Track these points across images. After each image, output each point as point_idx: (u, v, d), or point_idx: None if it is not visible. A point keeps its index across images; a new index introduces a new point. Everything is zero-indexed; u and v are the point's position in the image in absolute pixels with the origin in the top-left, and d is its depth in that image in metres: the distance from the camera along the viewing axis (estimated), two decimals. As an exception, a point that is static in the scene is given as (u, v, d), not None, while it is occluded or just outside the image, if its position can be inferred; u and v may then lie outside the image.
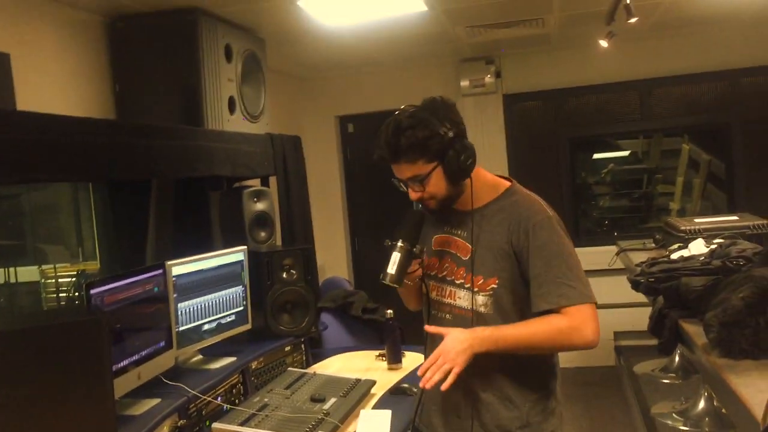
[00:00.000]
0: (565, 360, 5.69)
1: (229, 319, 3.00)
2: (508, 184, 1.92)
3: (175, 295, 2.67)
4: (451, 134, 1.75)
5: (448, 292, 1.90)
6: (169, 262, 2.66)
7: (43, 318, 2.37)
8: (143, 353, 2.40)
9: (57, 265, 4.97)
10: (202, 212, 3.77)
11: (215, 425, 2.38)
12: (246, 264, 3.12)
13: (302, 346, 3.37)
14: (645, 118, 5.73)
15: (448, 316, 1.90)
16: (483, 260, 1.81)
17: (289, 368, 3.12)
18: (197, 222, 3.72)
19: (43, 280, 4.98)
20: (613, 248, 4.57)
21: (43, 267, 5.05)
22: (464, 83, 5.64)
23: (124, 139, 2.63)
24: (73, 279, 4.80)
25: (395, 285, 1.85)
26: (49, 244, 5.24)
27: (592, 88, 5.69)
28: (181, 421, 2.38)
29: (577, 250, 6.32)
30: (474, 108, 5.79)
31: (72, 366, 1.77)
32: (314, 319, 3.41)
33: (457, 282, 1.88)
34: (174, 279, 2.66)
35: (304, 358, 3.36)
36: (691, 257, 3.05)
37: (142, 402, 2.34)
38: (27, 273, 4.98)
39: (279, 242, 3.81)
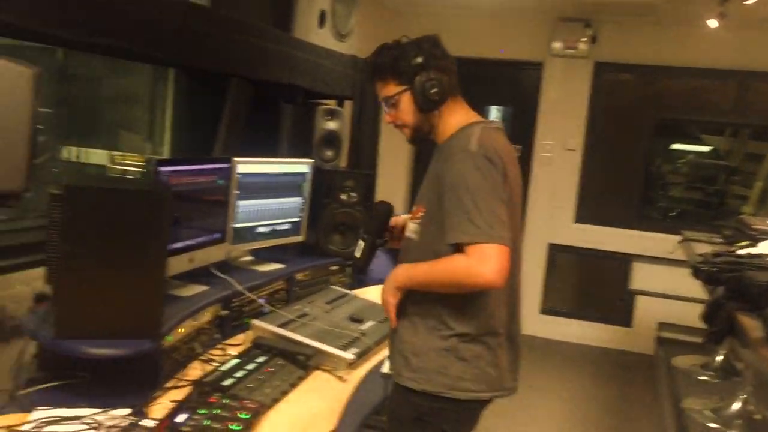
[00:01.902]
0: (605, 340, 5.66)
1: (284, 227, 3.03)
2: (471, 121, 1.89)
3: (237, 192, 2.70)
4: (419, 60, 1.83)
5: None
6: (237, 158, 2.68)
7: (113, 183, 2.44)
8: (198, 240, 2.45)
9: (126, 154, 5.11)
10: (273, 122, 3.78)
11: (255, 322, 2.44)
12: (310, 177, 3.14)
13: (348, 269, 3.39)
14: (738, 112, 5.47)
15: (405, 245, 2.01)
16: (421, 191, 1.92)
17: (332, 286, 3.16)
18: (267, 130, 3.74)
19: (109, 165, 5.13)
20: (676, 238, 4.44)
21: (113, 153, 5.20)
22: (557, 44, 5.47)
23: (214, 29, 2.64)
24: (140, 168, 4.93)
25: (361, 268, 2.25)
26: (122, 131, 5.38)
27: (690, 71, 5.45)
28: (224, 312, 2.44)
29: (639, 233, 6.14)
30: (561, 71, 5.64)
31: (133, 231, 1.81)
32: (365, 245, 3.41)
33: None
34: (238, 176, 2.69)
35: (347, 281, 3.39)
36: (759, 255, 2.94)
37: (190, 286, 2.41)
38: (96, 156, 5.14)
39: (343, 164, 3.81)
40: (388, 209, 2.12)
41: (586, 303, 5.82)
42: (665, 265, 5.27)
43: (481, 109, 6.68)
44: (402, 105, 1.88)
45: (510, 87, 6.06)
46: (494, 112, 9.21)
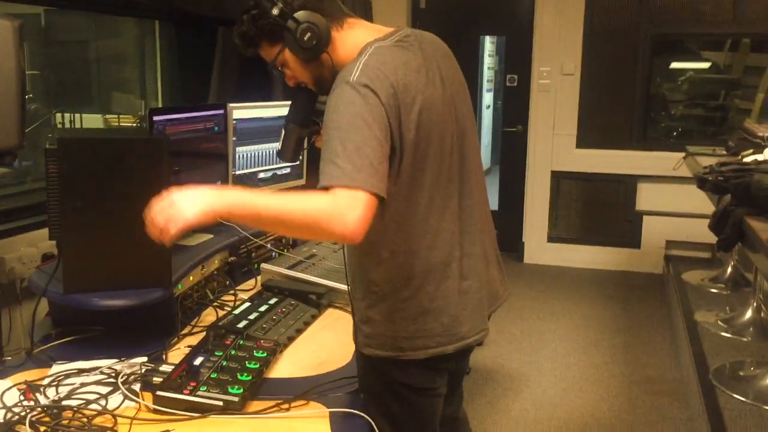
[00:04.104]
0: (614, 263, 5.68)
1: (284, 171, 3.01)
2: (369, 40, 1.54)
3: (234, 138, 2.67)
4: (276, 11, 1.52)
5: None
6: (231, 105, 2.65)
7: (107, 134, 2.41)
8: (200, 189, 2.44)
9: (120, 116, 5.08)
10: (264, 66, 3.72)
11: (264, 265, 2.44)
12: (306, 119, 3.10)
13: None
14: (737, 22, 5.37)
15: None
16: None
17: (339, 227, 3.16)
18: (260, 76, 3.69)
19: (105, 128, 5.10)
20: (680, 155, 4.41)
21: (107, 116, 5.16)
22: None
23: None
24: (134, 127, 4.90)
25: (286, 160, 1.83)
26: (114, 93, 5.33)
27: (685, -17, 5.33)
28: (232, 258, 2.45)
29: (643, 153, 6.09)
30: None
31: (134, 182, 1.79)
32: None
33: None
34: (234, 122, 2.66)
35: (353, 222, 3.38)
36: (766, 161, 2.92)
37: (196, 235, 2.40)
38: (91, 120, 5.10)
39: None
40: (306, 94, 1.72)
41: (593, 228, 5.82)
42: (671, 184, 5.26)
43: (474, 41, 6.55)
44: (290, 64, 1.60)
45: (503, 15, 5.94)
46: (488, 45, 9.07)
